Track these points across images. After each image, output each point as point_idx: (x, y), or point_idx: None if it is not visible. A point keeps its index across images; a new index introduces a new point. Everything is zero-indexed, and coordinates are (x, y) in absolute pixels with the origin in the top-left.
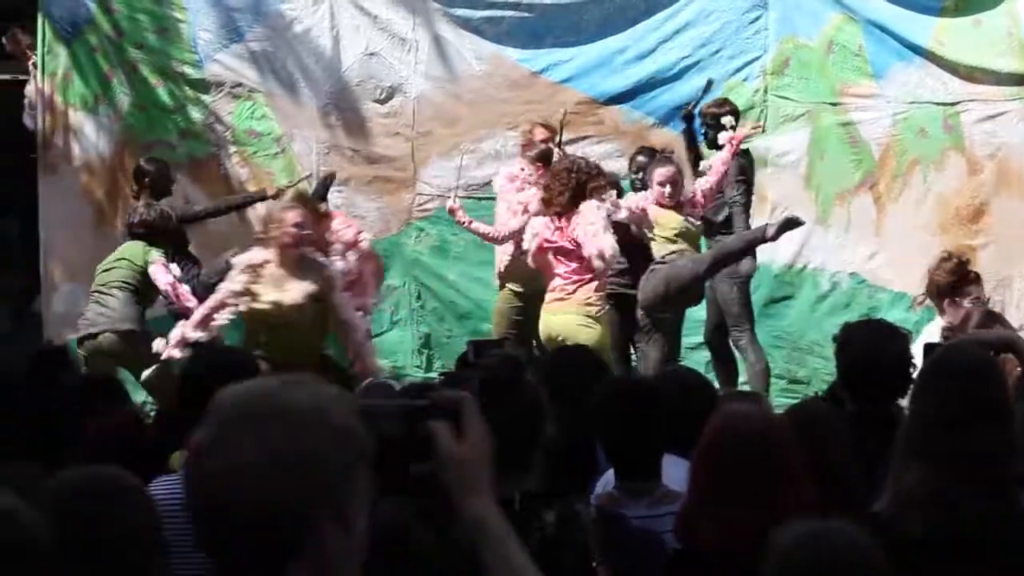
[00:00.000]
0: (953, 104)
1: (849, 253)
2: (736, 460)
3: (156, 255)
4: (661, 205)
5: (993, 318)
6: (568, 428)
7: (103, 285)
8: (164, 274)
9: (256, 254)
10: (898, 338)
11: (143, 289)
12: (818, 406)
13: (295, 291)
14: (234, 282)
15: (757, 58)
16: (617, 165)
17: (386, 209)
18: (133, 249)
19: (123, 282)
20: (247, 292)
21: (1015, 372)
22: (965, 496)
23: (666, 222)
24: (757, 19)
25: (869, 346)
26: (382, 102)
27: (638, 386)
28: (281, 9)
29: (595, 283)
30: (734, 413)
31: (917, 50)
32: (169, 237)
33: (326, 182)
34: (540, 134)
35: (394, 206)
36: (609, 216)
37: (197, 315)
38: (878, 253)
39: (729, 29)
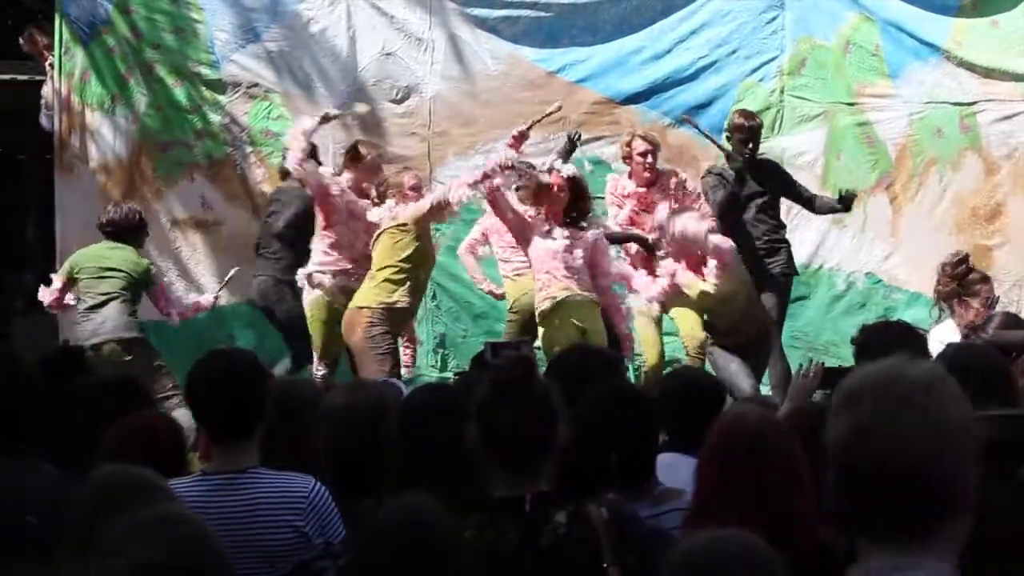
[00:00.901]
0: (970, 104)
1: (865, 253)
2: (744, 461)
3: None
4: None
5: (1016, 320)
6: (579, 429)
7: (101, 294)
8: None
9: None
10: (916, 339)
11: (136, 297)
12: (818, 409)
13: None
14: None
15: (774, 58)
16: None
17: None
18: (127, 260)
19: (120, 291)
20: None
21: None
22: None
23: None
24: (774, 19)
25: (888, 348)
26: (398, 102)
27: (634, 393)
28: (298, 9)
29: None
30: (741, 414)
31: (934, 50)
32: (138, 235)
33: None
34: (640, 146)
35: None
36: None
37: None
38: (894, 253)
39: (745, 29)
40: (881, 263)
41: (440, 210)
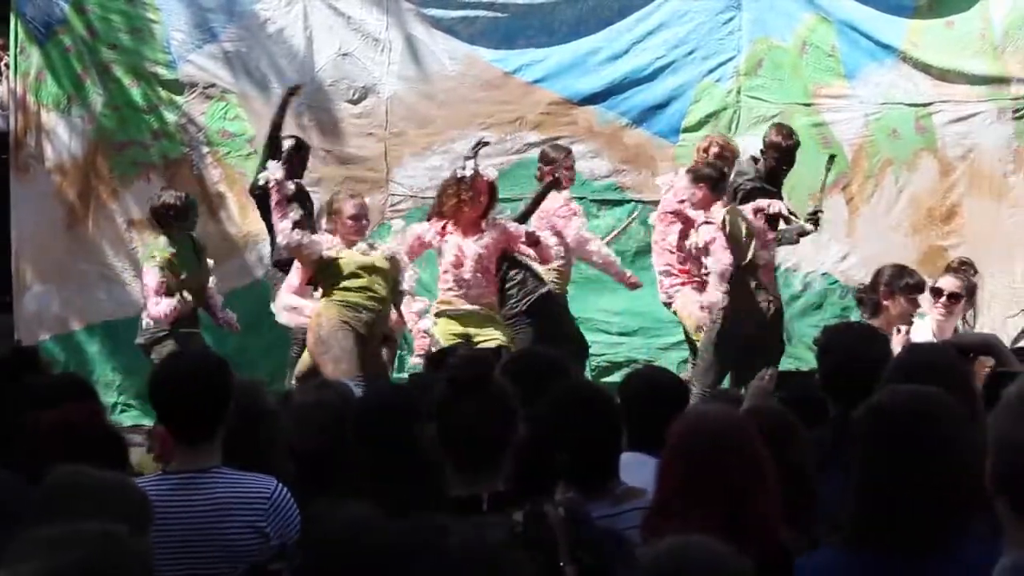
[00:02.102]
0: (925, 105)
1: (822, 254)
2: (699, 461)
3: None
4: None
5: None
6: (537, 428)
7: None
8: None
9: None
10: (879, 341)
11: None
12: (777, 408)
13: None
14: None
15: (730, 59)
16: (591, 165)
17: None
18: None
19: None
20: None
21: (982, 372)
22: None
23: None
24: (730, 20)
25: (851, 349)
26: (355, 102)
27: (593, 392)
28: (255, 9)
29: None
30: (703, 413)
31: (890, 51)
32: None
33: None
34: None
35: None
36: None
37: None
38: (850, 254)
39: (702, 30)
40: (837, 264)
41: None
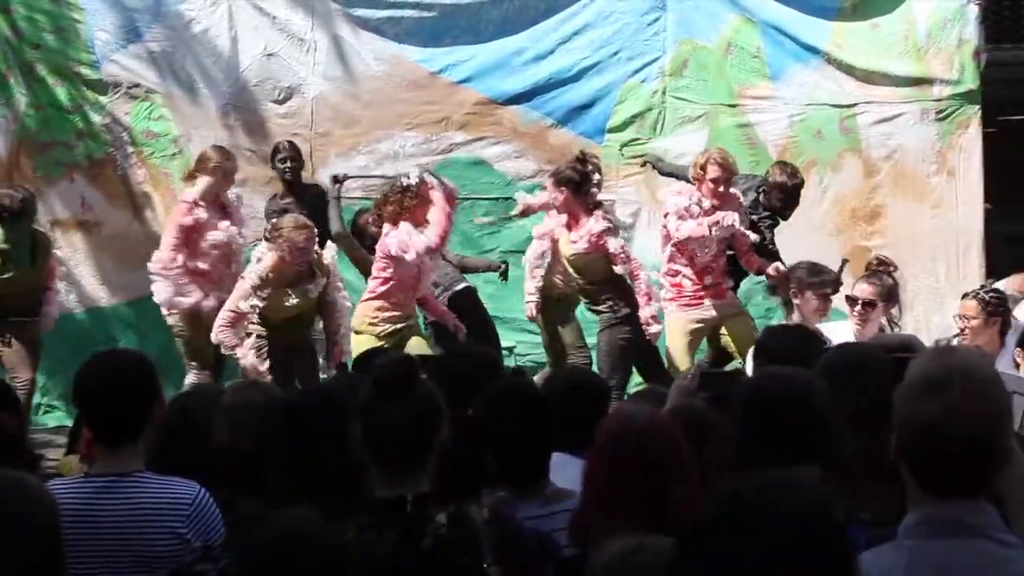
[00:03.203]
0: (849, 106)
1: None
2: (626, 461)
3: None
4: None
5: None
6: (467, 428)
7: None
8: None
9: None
10: (815, 342)
11: None
12: (697, 405)
13: (311, 291)
14: (249, 300)
15: (655, 60)
16: (515, 166)
17: None
18: None
19: None
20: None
21: None
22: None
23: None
24: (656, 21)
25: (787, 350)
26: (280, 103)
27: (524, 390)
28: (179, 9)
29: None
30: (629, 413)
31: (814, 52)
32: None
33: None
34: (713, 172)
35: None
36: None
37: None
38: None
39: (628, 31)
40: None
41: None
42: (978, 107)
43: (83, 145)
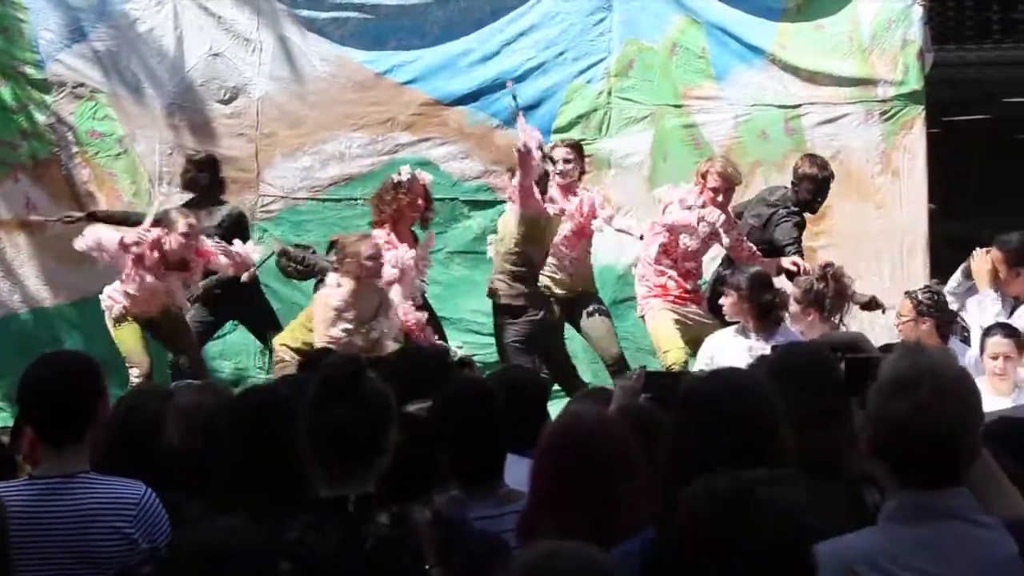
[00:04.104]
0: (794, 107)
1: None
2: (572, 460)
3: None
4: None
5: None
6: (412, 429)
7: None
8: None
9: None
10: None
11: None
12: (645, 405)
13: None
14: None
15: (601, 60)
16: (461, 166)
17: None
18: None
19: None
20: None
21: None
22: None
23: None
24: (601, 21)
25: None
26: (226, 103)
27: (478, 388)
28: (125, 9)
29: None
30: (577, 414)
31: (759, 53)
32: None
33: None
34: (713, 181)
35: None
36: None
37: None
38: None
39: (573, 31)
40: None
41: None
42: (922, 108)
43: (27, 145)
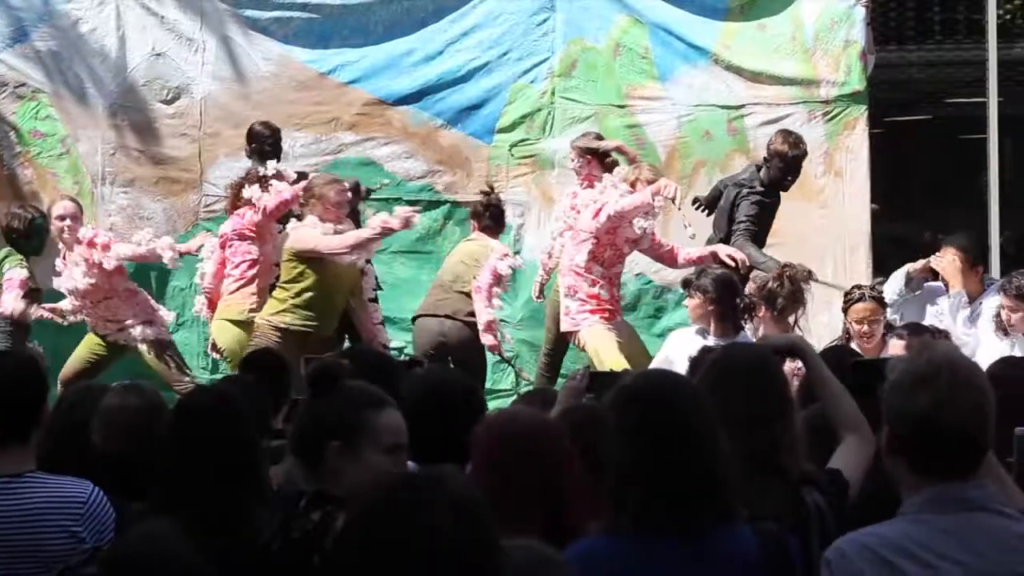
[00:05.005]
0: (737, 107)
1: (636, 255)
2: (514, 462)
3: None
4: None
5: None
6: None
7: None
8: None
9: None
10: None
11: None
12: (589, 406)
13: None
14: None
15: (544, 60)
16: (405, 166)
17: (172, 210)
18: None
19: None
20: None
21: (801, 374)
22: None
23: None
24: (545, 21)
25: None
26: (168, 103)
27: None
28: (67, 9)
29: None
30: (513, 415)
31: (703, 53)
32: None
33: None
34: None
35: (180, 207)
36: None
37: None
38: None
39: (517, 31)
40: (651, 264)
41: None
42: (865, 108)
43: None
